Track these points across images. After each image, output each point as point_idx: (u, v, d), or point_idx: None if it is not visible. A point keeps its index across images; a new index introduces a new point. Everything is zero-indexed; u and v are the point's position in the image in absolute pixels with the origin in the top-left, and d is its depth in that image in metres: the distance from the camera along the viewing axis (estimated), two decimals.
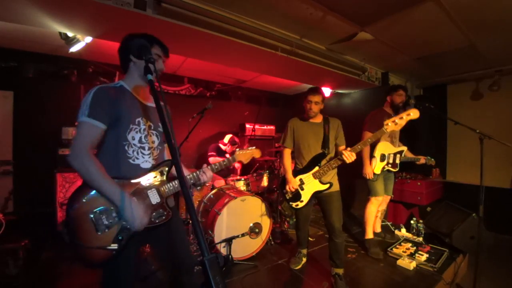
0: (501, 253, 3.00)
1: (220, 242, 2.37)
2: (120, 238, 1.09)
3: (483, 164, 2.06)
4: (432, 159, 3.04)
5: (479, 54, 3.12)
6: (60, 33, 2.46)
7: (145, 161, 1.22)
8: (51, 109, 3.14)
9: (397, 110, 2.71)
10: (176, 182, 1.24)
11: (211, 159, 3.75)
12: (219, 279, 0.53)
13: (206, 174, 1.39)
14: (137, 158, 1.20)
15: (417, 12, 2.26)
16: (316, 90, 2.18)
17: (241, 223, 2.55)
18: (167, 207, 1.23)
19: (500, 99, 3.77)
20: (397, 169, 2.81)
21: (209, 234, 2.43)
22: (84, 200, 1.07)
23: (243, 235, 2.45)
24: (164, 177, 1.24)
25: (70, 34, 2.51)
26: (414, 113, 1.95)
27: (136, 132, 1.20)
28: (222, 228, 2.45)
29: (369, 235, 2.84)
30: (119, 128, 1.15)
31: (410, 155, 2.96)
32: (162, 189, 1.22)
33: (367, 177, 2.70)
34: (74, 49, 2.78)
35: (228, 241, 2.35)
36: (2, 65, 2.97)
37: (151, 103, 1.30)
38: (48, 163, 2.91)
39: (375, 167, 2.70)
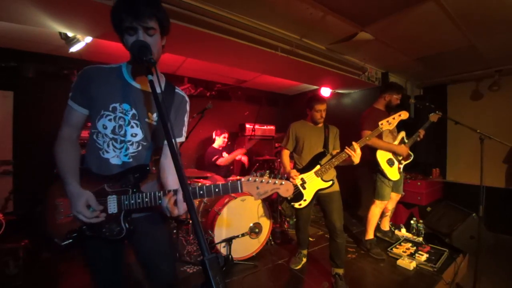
0: (501, 253, 3.00)
1: (220, 242, 2.37)
2: (74, 235, 1.01)
3: (483, 164, 2.06)
4: (432, 115, 2.79)
5: (479, 54, 3.12)
6: (60, 33, 2.46)
7: (116, 156, 1.05)
8: (51, 109, 3.13)
9: (391, 111, 2.72)
10: (145, 196, 1.00)
11: (221, 160, 3.69)
12: (220, 279, 0.53)
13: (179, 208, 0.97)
14: (107, 152, 1.04)
15: (417, 12, 2.26)
16: (323, 99, 2.27)
17: (241, 223, 2.55)
18: (122, 224, 1.00)
19: (500, 99, 3.77)
20: (412, 156, 2.73)
21: (209, 234, 2.43)
22: (59, 185, 1.03)
23: (243, 235, 2.45)
24: (130, 186, 1.02)
25: (70, 34, 2.50)
26: (404, 114, 2.09)
27: (109, 120, 1.03)
28: (222, 228, 2.45)
29: (370, 235, 2.83)
30: (92, 114, 1.04)
31: (409, 138, 2.83)
32: (122, 200, 1.00)
33: (405, 156, 2.67)
34: (74, 49, 2.78)
35: (228, 241, 2.35)
36: (2, 65, 2.96)
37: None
38: (48, 163, 2.89)
39: (390, 175, 2.65)
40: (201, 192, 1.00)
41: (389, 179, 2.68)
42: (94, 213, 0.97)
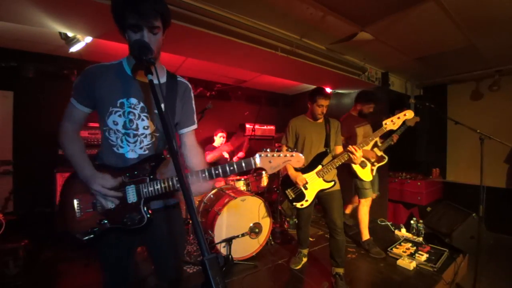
0: (501, 253, 3.00)
1: (220, 242, 2.37)
2: (95, 229, 1.04)
3: (483, 164, 2.06)
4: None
5: (479, 54, 3.12)
6: (60, 33, 2.45)
7: (131, 151, 1.07)
8: (51, 109, 3.12)
9: (365, 117, 2.92)
10: (163, 182, 1.04)
11: (208, 157, 3.72)
12: (219, 279, 0.53)
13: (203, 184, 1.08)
14: (122, 147, 1.07)
15: (417, 12, 2.26)
16: (328, 95, 2.21)
17: (241, 223, 2.55)
18: (143, 212, 1.04)
19: (500, 99, 3.77)
20: (386, 159, 2.86)
21: (209, 234, 2.43)
22: (73, 182, 1.06)
23: (243, 235, 2.45)
24: (147, 175, 1.06)
25: (70, 34, 2.50)
26: (409, 113, 2.07)
27: (119, 115, 1.05)
28: (222, 228, 2.45)
29: (366, 236, 2.89)
30: (100, 111, 1.06)
31: (382, 142, 2.96)
32: (141, 188, 1.04)
33: (377, 158, 2.82)
34: (74, 49, 2.78)
35: (228, 241, 2.35)
36: (2, 65, 2.96)
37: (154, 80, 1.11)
38: (48, 163, 2.90)
39: (363, 175, 2.80)
40: (217, 172, 1.04)
41: (362, 180, 2.80)
42: (107, 189, 1.00)
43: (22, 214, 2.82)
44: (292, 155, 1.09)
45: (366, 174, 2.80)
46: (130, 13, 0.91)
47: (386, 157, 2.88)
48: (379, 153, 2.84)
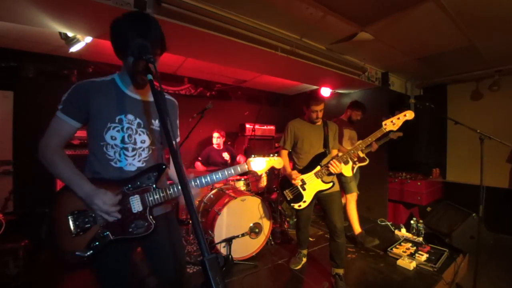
0: (501, 253, 3.00)
1: (220, 242, 2.37)
2: (96, 244, 1.01)
3: (483, 164, 2.06)
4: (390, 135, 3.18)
5: (479, 54, 3.12)
6: (60, 33, 2.46)
7: (129, 164, 1.11)
8: (51, 109, 3.13)
9: (352, 123, 3.22)
10: (168, 189, 1.11)
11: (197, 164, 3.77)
12: (219, 279, 0.53)
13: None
14: (120, 161, 1.09)
15: (417, 12, 2.26)
16: (320, 99, 2.19)
17: (241, 223, 2.55)
18: (150, 219, 1.08)
19: (500, 99, 3.77)
20: (367, 161, 3.11)
21: (209, 234, 2.43)
22: (64, 200, 1.03)
23: (243, 235, 2.45)
24: (151, 184, 1.10)
25: (70, 34, 2.50)
26: (409, 114, 2.05)
27: (117, 131, 1.07)
28: (222, 228, 2.45)
29: (358, 229, 2.99)
30: (96, 127, 1.07)
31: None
32: (146, 197, 1.08)
33: (359, 159, 3.09)
34: (74, 49, 2.77)
35: (228, 241, 2.35)
36: (2, 65, 2.96)
37: (149, 98, 1.17)
38: None
39: (344, 171, 2.89)
40: (217, 176, 1.21)
41: (343, 175, 2.96)
42: (110, 206, 0.99)
43: (22, 214, 2.82)
44: (274, 158, 1.39)
45: (347, 170, 2.94)
46: (137, 44, 0.97)
47: (367, 159, 3.12)
48: (362, 155, 3.09)
